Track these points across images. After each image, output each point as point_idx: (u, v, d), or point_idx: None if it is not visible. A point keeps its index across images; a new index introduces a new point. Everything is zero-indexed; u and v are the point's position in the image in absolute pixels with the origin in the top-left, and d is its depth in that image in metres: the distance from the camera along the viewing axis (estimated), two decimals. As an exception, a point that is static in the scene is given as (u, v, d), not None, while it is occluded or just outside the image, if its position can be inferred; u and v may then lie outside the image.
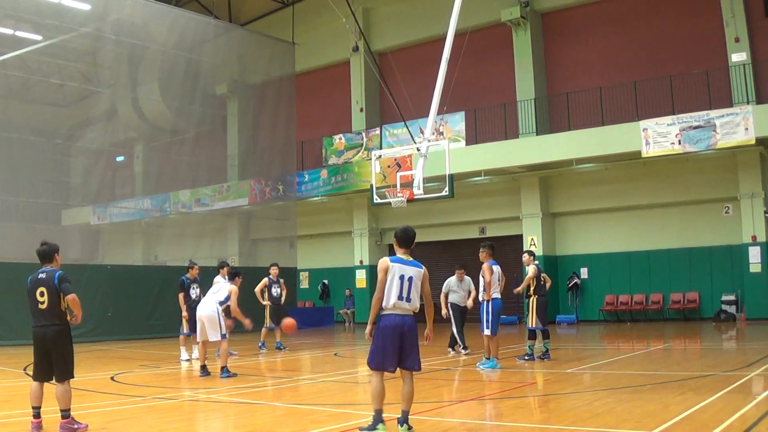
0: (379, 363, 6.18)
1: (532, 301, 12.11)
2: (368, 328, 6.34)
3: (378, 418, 6.13)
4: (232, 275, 11.81)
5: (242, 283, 12.07)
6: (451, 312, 13.52)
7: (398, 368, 6.23)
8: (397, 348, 6.13)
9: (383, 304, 6.20)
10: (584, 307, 23.26)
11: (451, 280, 13.76)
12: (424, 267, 6.41)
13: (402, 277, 6.19)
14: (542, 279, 12.26)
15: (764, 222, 19.93)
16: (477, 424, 7.00)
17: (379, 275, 6.25)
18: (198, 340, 11.37)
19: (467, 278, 13.70)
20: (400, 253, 6.39)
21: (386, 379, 6.25)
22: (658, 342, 16.01)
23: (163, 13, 23.91)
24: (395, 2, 27.21)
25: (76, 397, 9.09)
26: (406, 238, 6.39)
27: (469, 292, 13.53)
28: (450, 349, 13.84)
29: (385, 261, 6.28)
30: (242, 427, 7.21)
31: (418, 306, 6.29)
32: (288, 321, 11.39)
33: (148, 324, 20.40)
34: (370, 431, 6.11)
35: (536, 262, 12.51)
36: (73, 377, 6.89)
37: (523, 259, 12.55)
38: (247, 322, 11.25)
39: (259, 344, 15.70)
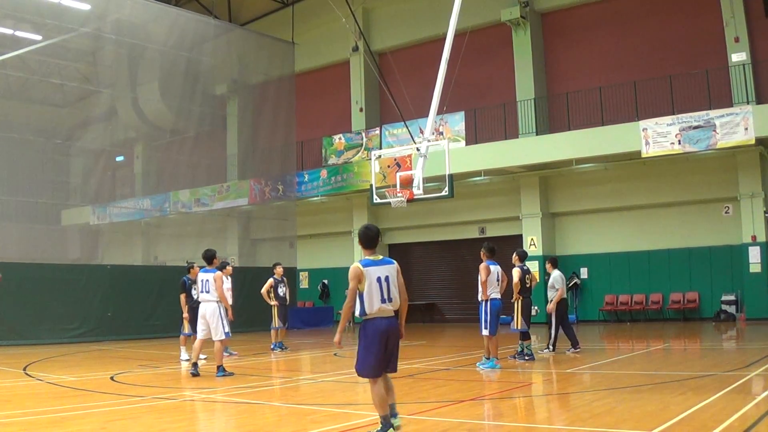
0: (374, 370, 6.02)
1: (518, 302, 12.18)
2: (338, 336, 6.19)
3: (387, 423, 6.00)
4: (209, 259, 11.53)
5: (232, 276, 11.69)
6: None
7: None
8: (385, 352, 6.02)
9: (366, 309, 5.99)
10: (584, 307, 23.25)
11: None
12: (395, 261, 6.24)
13: (379, 279, 6.02)
14: (527, 281, 12.30)
15: (764, 222, 19.93)
16: (477, 424, 7.00)
17: (351, 283, 6.03)
18: (198, 338, 11.29)
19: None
20: (367, 255, 6.20)
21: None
22: (658, 342, 16.01)
23: (163, 13, 23.90)
24: (395, 2, 27.21)
25: (76, 397, 9.11)
26: (368, 238, 6.22)
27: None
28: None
29: (357, 268, 6.05)
30: (242, 427, 7.21)
31: (399, 302, 6.16)
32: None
33: (148, 324, 20.40)
34: None
35: (522, 264, 12.42)
36: None
37: (513, 258, 12.48)
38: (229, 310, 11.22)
39: (272, 346, 15.60)
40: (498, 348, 11.52)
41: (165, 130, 27.14)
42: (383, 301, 6.00)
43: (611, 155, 20.99)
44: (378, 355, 5.98)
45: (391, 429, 5.97)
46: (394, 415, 6.05)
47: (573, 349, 13.11)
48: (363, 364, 6.04)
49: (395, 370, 6.17)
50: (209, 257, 11.31)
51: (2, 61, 21.60)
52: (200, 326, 11.14)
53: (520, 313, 12.14)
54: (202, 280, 11.13)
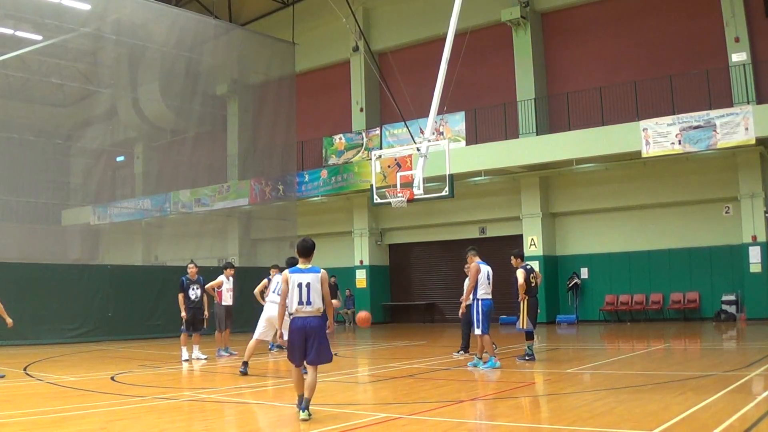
0: (293, 358, 7.12)
1: (524, 302, 12.15)
2: (279, 331, 7.46)
3: (300, 403, 7.01)
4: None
5: (236, 279, 11.96)
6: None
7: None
8: (302, 345, 7.00)
9: (289, 309, 7.06)
10: (584, 307, 23.25)
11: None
12: (322, 270, 7.16)
13: (300, 285, 7.03)
14: (531, 280, 12.27)
15: (764, 222, 19.93)
16: (477, 424, 7.00)
17: (282, 286, 7.14)
18: (255, 337, 11.58)
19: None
20: (299, 263, 7.22)
21: (386, 379, 6.24)
22: (659, 342, 16.00)
23: (163, 13, 23.88)
24: (395, 2, 27.21)
25: (76, 396, 9.11)
26: (304, 249, 7.22)
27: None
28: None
29: (285, 273, 7.14)
30: (242, 427, 7.21)
31: (321, 306, 7.08)
32: (363, 315, 11.38)
33: (148, 324, 20.38)
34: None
35: (524, 264, 12.42)
36: None
37: (512, 261, 12.46)
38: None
39: (269, 346, 15.63)
40: (492, 345, 11.53)
41: (165, 130, 27.15)
42: (300, 303, 7.02)
43: (611, 155, 20.99)
44: (294, 347, 7.04)
45: (302, 412, 6.92)
46: (303, 408, 6.97)
47: (462, 352, 13.10)
48: (288, 352, 7.20)
49: (311, 363, 7.02)
50: (289, 263, 11.57)
51: (2, 61, 21.61)
52: (261, 326, 11.53)
53: (527, 313, 12.11)
54: (277, 282, 11.47)
